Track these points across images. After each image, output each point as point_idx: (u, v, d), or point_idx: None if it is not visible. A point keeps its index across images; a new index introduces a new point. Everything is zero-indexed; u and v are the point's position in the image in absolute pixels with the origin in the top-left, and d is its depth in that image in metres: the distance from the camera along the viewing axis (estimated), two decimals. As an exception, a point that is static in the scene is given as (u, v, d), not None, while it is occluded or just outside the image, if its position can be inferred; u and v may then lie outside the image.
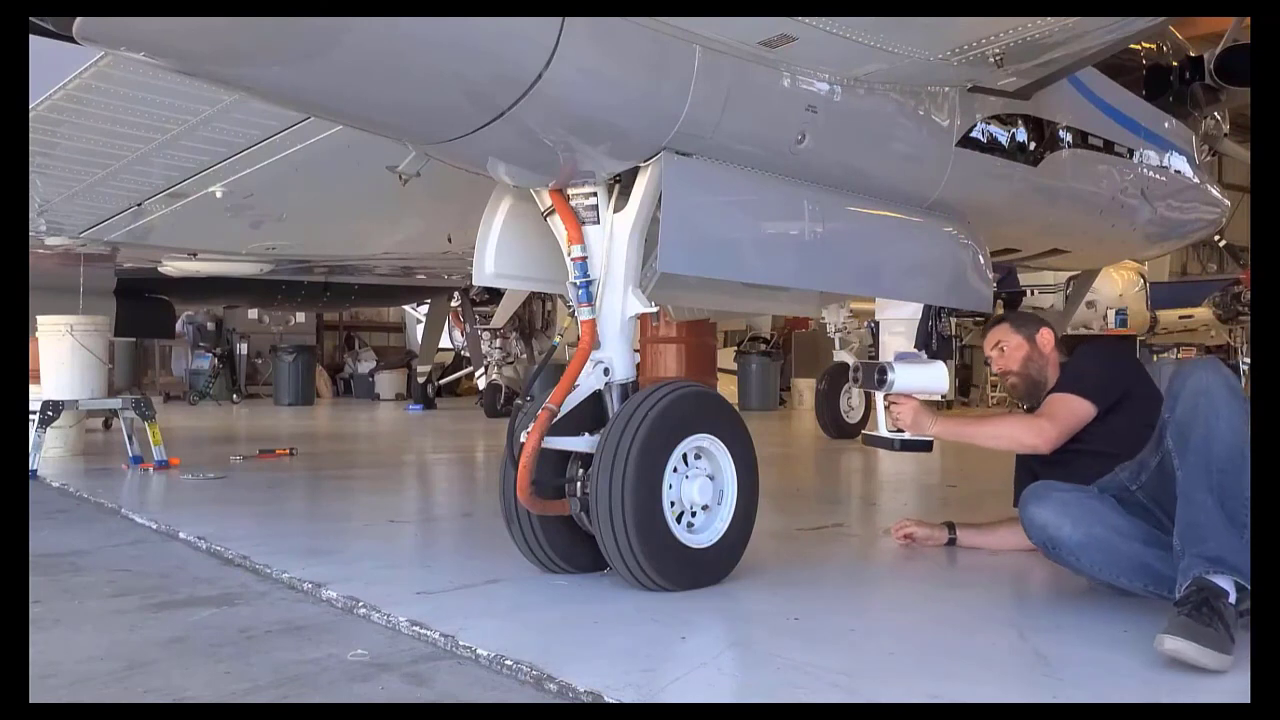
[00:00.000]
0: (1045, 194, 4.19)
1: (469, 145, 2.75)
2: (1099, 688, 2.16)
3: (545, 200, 3.12)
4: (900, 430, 3.37)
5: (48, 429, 6.13)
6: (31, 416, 5.92)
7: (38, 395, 6.19)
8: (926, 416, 3.35)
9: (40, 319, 6.56)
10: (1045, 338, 3.52)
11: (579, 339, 3.08)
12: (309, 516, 4.76)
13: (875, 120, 3.36)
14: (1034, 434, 3.27)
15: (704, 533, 3.03)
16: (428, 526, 4.54)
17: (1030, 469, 3.37)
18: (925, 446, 3.39)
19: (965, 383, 16.77)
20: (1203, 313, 17.82)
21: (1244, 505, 2.40)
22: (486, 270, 3.30)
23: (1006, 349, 3.52)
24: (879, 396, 3.40)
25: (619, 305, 3.08)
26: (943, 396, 14.58)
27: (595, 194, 3.07)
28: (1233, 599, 2.28)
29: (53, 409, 6.08)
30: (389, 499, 5.34)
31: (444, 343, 15.16)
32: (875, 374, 3.36)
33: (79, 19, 2.18)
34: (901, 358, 3.47)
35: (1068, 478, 3.01)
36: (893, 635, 2.63)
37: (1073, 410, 3.25)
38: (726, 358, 14.69)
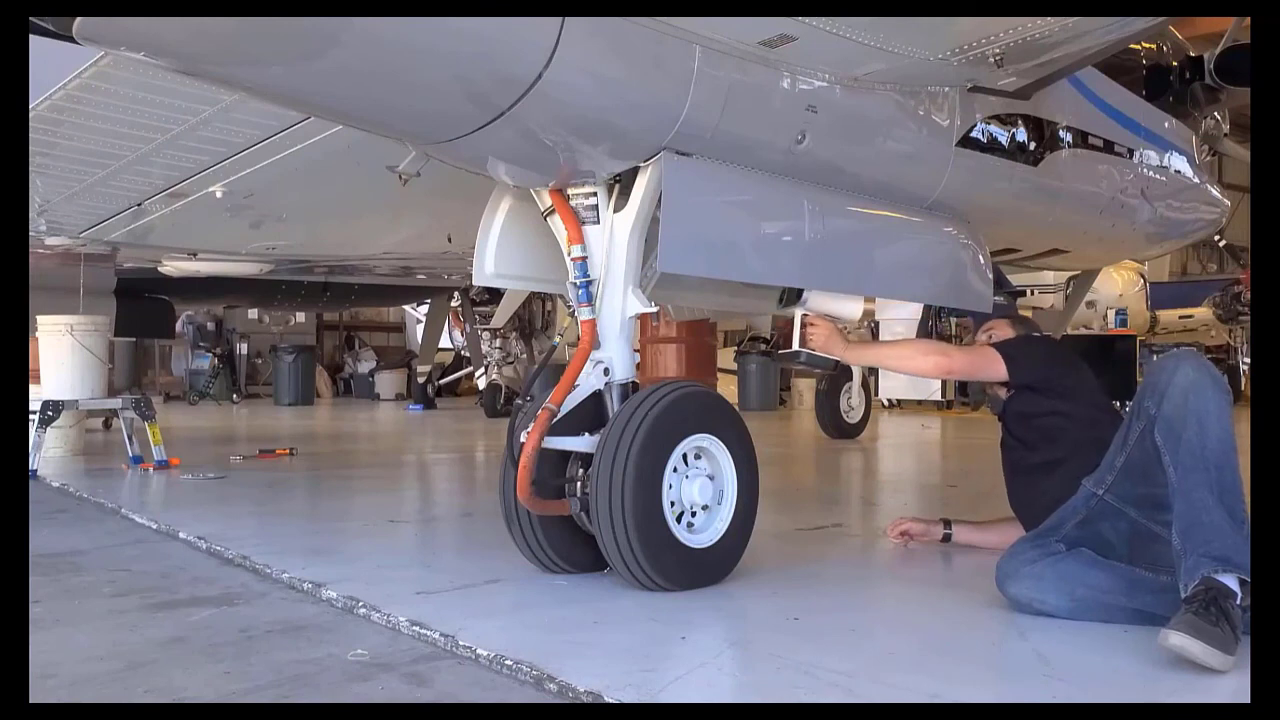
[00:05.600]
0: (1045, 194, 4.18)
1: (469, 145, 2.75)
2: (1099, 688, 2.16)
3: (545, 200, 3.12)
4: (811, 349, 3.47)
5: (48, 429, 6.13)
6: (31, 416, 5.92)
7: (38, 395, 6.19)
8: (838, 340, 3.47)
9: (40, 319, 6.56)
10: None
11: (579, 339, 3.08)
12: (309, 516, 4.76)
13: (875, 120, 3.36)
14: (937, 354, 3.41)
15: (704, 533, 3.03)
16: (428, 526, 4.54)
17: (1010, 477, 3.40)
18: (830, 365, 3.53)
19: (964, 382, 16.75)
20: (1203, 313, 17.81)
21: (1239, 500, 2.42)
22: (486, 270, 3.31)
23: (994, 336, 3.56)
24: (796, 316, 3.50)
25: (619, 305, 3.08)
26: (941, 395, 14.35)
27: (595, 194, 3.07)
28: (1239, 600, 2.28)
29: (53, 409, 6.07)
30: (389, 499, 5.34)
31: (444, 343, 15.16)
32: (795, 293, 3.49)
33: (79, 19, 2.18)
34: None
35: (1041, 491, 3.06)
36: (892, 635, 2.63)
37: (985, 357, 3.31)
38: (726, 358, 14.67)
